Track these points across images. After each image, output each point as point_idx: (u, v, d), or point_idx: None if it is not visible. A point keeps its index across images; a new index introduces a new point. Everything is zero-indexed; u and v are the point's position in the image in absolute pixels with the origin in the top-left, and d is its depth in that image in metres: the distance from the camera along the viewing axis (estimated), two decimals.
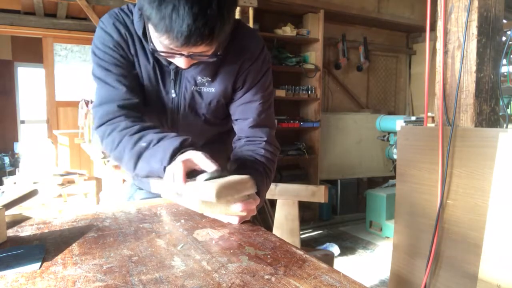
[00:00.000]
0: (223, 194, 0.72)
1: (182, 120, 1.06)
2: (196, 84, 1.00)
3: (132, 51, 0.98)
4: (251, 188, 0.80)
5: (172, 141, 0.82)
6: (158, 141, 0.84)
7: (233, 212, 0.80)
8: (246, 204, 0.80)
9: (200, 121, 1.07)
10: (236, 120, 1.07)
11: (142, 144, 0.85)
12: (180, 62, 0.86)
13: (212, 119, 1.08)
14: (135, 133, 0.88)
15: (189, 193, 0.76)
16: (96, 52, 0.97)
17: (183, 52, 0.81)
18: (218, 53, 0.85)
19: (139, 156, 0.85)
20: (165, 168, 0.80)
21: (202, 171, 0.77)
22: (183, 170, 0.75)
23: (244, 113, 1.04)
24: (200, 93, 1.01)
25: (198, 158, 0.78)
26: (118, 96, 0.94)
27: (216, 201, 0.72)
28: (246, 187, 0.79)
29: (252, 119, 1.03)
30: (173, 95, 1.01)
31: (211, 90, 1.01)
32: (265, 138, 1.04)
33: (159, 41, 0.80)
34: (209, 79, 1.00)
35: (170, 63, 0.95)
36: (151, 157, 0.83)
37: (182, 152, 0.80)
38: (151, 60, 0.98)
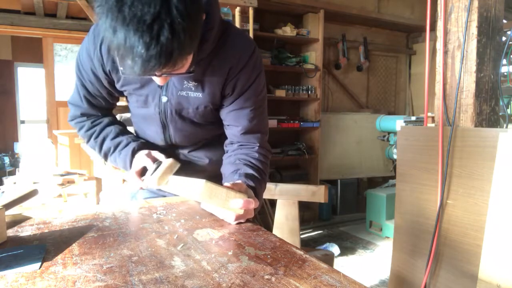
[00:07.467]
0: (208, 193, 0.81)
1: (171, 124, 1.05)
2: (182, 89, 0.99)
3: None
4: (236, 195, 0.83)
5: (127, 150, 1.05)
6: (115, 148, 1.08)
7: (232, 208, 0.80)
8: (246, 202, 0.80)
9: (189, 125, 1.06)
10: (228, 125, 1.06)
11: (105, 147, 1.09)
12: (156, 79, 0.87)
13: (202, 123, 1.07)
14: (97, 136, 1.10)
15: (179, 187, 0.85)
16: (79, 58, 1.03)
17: (155, 73, 0.78)
18: (191, 69, 0.84)
19: (107, 156, 1.10)
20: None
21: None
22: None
23: (235, 120, 1.03)
24: (187, 98, 1.00)
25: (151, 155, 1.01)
26: (82, 107, 1.10)
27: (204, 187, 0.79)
28: (230, 195, 0.82)
29: (243, 126, 1.02)
30: (164, 100, 1.01)
31: (198, 95, 0.99)
32: (258, 144, 1.04)
33: None
34: (196, 84, 0.98)
35: None
36: (116, 162, 1.08)
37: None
38: None
